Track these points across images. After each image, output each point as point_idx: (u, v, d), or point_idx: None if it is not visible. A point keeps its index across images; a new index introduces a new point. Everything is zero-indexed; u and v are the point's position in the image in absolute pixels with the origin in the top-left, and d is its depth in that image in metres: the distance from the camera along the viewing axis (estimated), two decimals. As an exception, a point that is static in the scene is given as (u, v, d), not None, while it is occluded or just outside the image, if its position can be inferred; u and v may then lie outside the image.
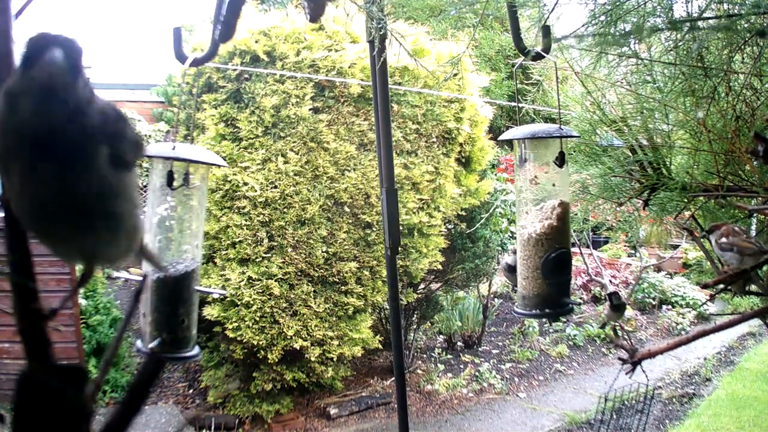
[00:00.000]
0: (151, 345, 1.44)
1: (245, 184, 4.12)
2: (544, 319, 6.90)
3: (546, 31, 1.38)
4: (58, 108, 0.46)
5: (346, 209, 4.42)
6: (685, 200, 1.29)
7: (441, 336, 6.60)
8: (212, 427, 4.62)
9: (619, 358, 0.94)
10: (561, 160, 1.42)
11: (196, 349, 1.52)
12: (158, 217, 1.47)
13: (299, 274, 4.32)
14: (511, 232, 6.19)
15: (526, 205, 1.54)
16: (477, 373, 5.79)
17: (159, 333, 1.45)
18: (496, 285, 7.43)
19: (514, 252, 1.63)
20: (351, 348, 4.52)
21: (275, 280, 4.19)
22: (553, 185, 1.51)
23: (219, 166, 1.51)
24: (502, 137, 1.55)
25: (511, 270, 1.65)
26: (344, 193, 4.35)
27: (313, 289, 4.38)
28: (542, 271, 1.49)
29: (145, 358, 0.51)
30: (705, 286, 1.00)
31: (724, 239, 1.08)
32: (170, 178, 1.38)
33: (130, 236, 0.55)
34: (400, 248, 2.91)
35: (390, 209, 2.10)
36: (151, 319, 1.46)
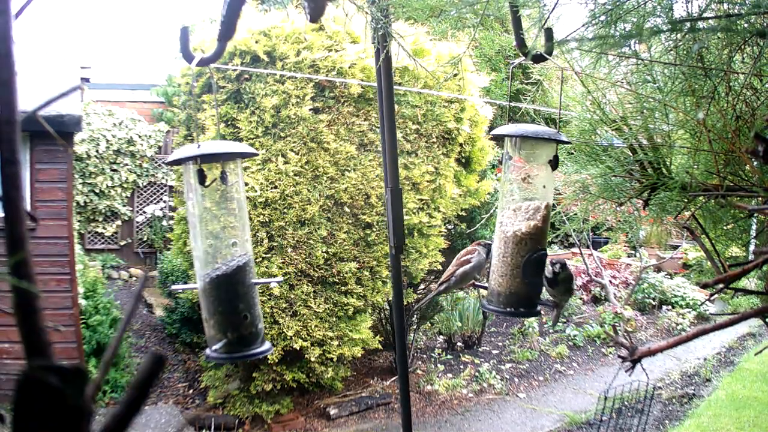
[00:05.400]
0: (215, 347, 1.38)
1: (245, 184, 4.12)
2: (535, 319, 6.91)
3: (549, 34, 1.38)
4: None
5: (346, 209, 4.42)
6: (685, 200, 1.29)
7: (441, 336, 6.59)
8: (212, 428, 4.62)
9: (620, 356, 0.94)
10: (555, 163, 1.43)
11: (267, 344, 1.45)
12: (202, 216, 1.46)
13: (299, 274, 4.32)
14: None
15: (510, 203, 1.54)
16: (477, 374, 5.79)
17: (223, 334, 1.39)
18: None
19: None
20: (351, 348, 4.52)
21: (275, 281, 4.18)
22: (544, 186, 1.52)
23: (254, 155, 1.49)
24: (494, 132, 1.55)
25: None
26: (344, 193, 4.35)
27: (313, 289, 4.38)
28: (523, 271, 1.50)
29: (145, 358, 0.51)
30: (705, 286, 1.00)
31: None
32: (201, 176, 1.37)
33: None
34: (400, 248, 2.90)
35: (395, 209, 2.11)
36: (213, 321, 1.40)
